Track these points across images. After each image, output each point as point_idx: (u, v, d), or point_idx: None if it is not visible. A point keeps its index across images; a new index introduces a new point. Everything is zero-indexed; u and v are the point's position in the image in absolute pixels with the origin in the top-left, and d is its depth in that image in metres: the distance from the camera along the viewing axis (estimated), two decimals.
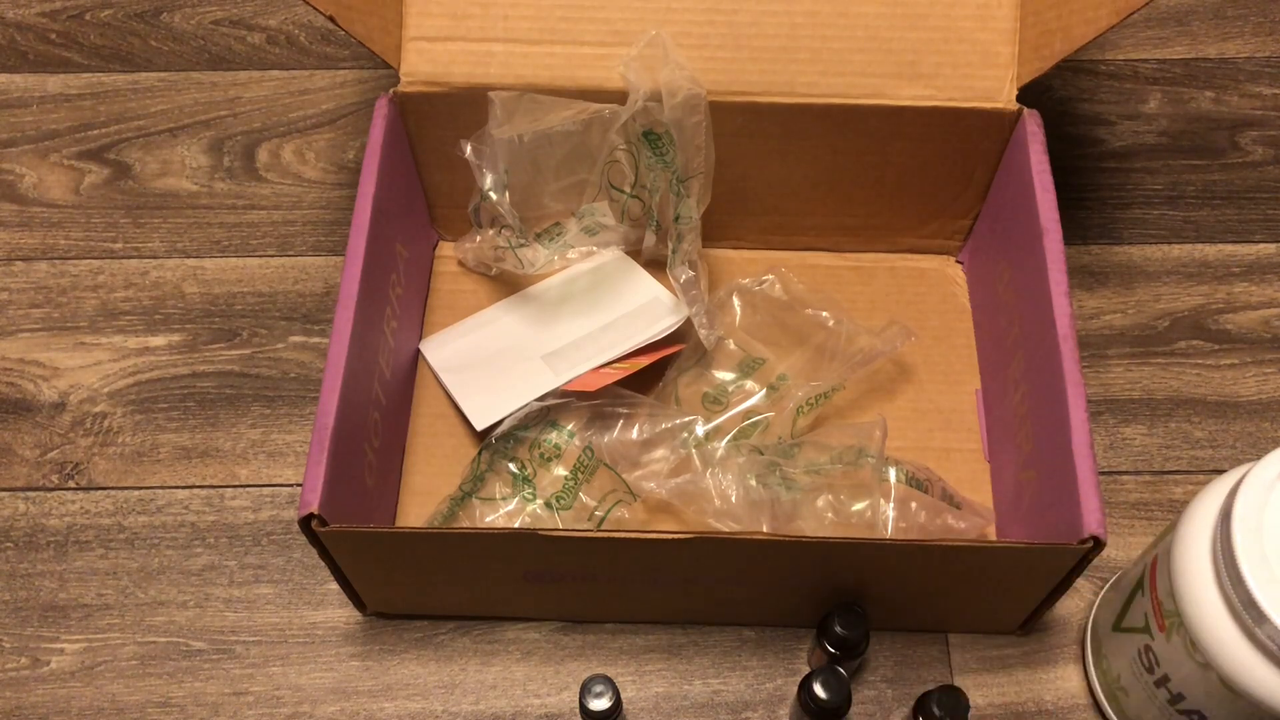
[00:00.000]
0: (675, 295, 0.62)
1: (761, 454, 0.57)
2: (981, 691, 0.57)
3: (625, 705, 0.56)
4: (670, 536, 0.48)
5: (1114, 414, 0.64)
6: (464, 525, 0.57)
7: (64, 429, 0.64)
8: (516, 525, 0.57)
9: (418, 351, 0.65)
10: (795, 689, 0.53)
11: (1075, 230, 0.70)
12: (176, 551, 0.60)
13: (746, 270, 0.66)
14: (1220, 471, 0.48)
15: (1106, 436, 0.63)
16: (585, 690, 0.50)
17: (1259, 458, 0.44)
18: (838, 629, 0.53)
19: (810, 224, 0.67)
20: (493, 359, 0.63)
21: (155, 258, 0.70)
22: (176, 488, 0.62)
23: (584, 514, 0.58)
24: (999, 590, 0.53)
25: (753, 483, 0.56)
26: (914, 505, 0.57)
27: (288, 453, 0.63)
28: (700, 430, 0.58)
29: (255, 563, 0.60)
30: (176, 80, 0.77)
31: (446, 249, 0.69)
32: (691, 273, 0.60)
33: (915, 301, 0.67)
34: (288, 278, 0.69)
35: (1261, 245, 0.70)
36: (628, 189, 0.63)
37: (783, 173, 0.64)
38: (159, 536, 0.61)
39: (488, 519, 0.58)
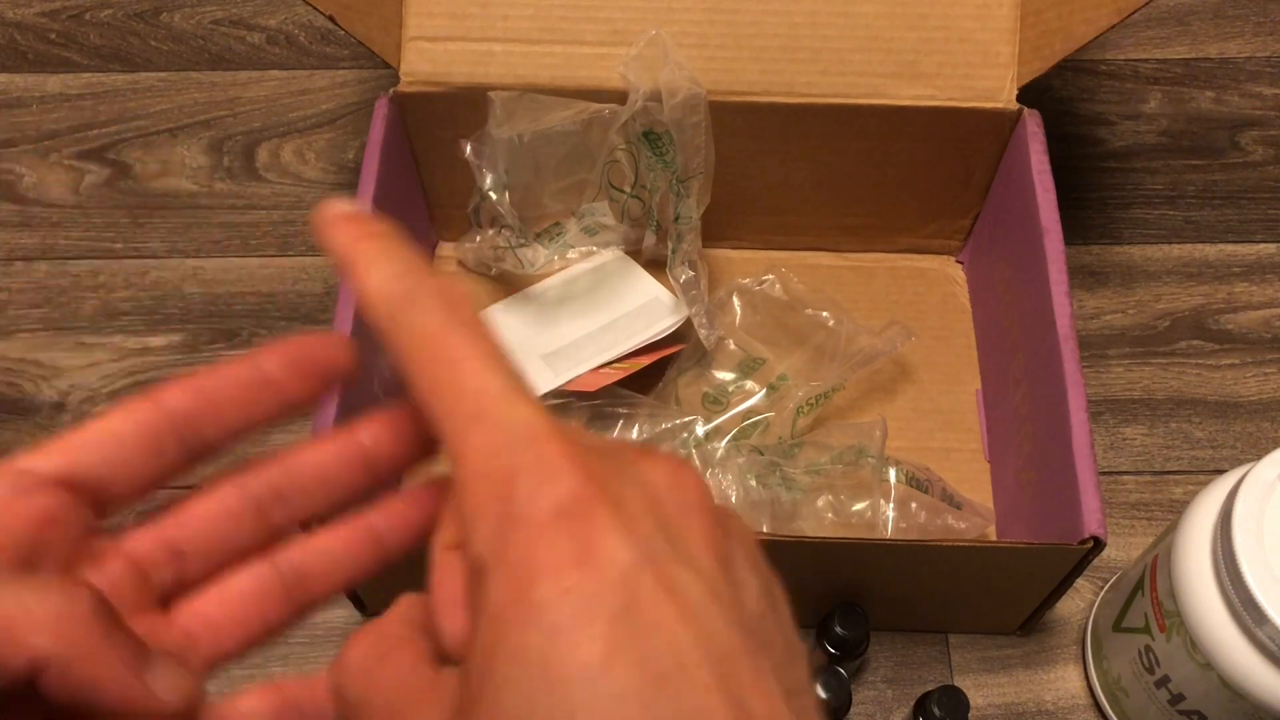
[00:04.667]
0: (675, 295, 0.62)
1: (762, 454, 0.57)
2: (981, 691, 0.57)
3: None
4: None
5: (1114, 414, 0.64)
6: None
7: (64, 429, 0.64)
8: None
9: None
10: None
11: (1075, 230, 0.70)
12: None
13: (746, 270, 0.66)
14: (1221, 472, 0.48)
15: (1107, 436, 0.63)
16: None
17: (1259, 458, 0.44)
18: (838, 629, 0.53)
19: (810, 224, 0.67)
20: None
21: (155, 258, 0.70)
22: (176, 487, 0.62)
23: None
24: (999, 590, 0.53)
25: (753, 483, 0.56)
26: (914, 505, 0.57)
27: None
28: (700, 430, 0.58)
29: None
30: (176, 80, 0.77)
31: (446, 249, 0.69)
32: (691, 273, 0.60)
33: (915, 301, 0.67)
34: (287, 278, 0.69)
35: (1262, 245, 0.70)
36: (628, 189, 0.63)
37: (783, 173, 0.64)
38: None
39: None
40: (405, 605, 0.25)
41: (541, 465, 0.20)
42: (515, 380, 0.22)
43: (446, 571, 0.23)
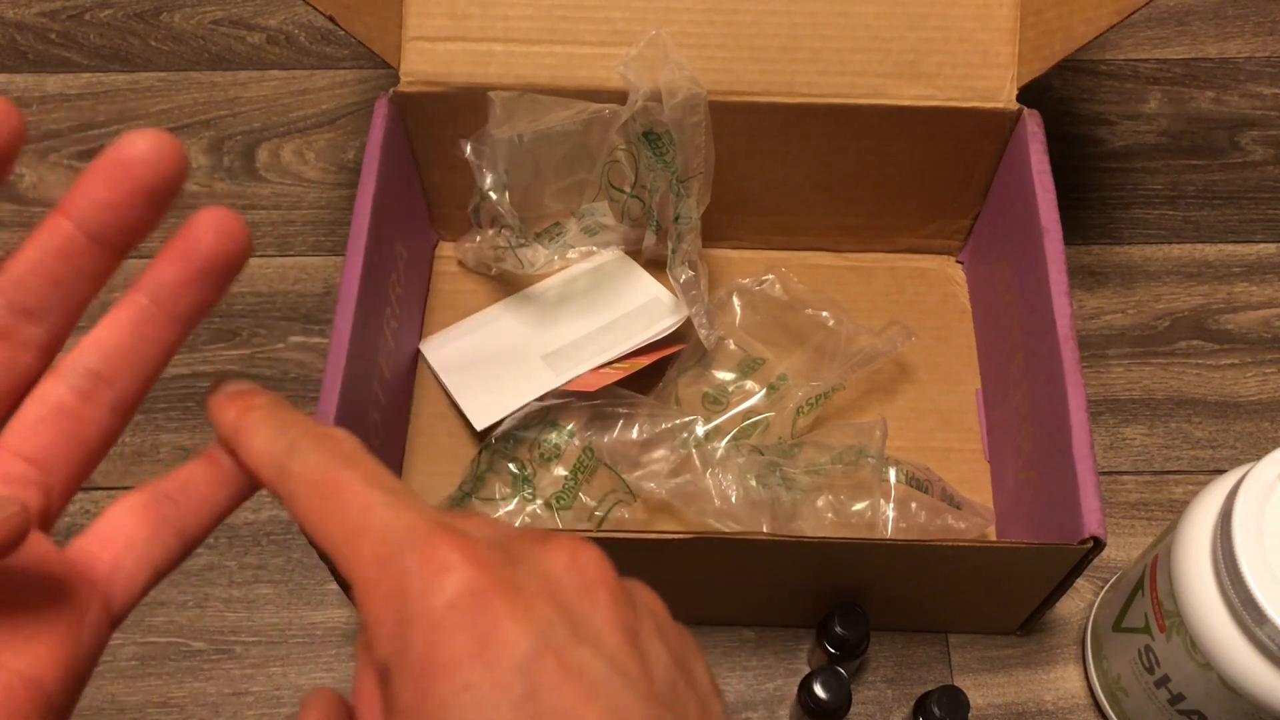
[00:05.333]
0: (675, 295, 0.62)
1: (762, 454, 0.57)
2: (981, 691, 0.57)
3: None
4: (670, 536, 0.48)
5: (1114, 414, 0.64)
6: None
7: None
8: (516, 525, 0.57)
9: (417, 351, 0.65)
10: (795, 689, 0.53)
11: (1075, 230, 0.70)
12: None
13: (746, 270, 0.66)
14: (1220, 472, 0.48)
15: (1106, 436, 0.63)
16: None
17: (1259, 458, 0.44)
18: (838, 629, 0.53)
19: (810, 224, 0.67)
20: (492, 359, 0.63)
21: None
22: None
23: (584, 514, 0.58)
24: (999, 590, 0.53)
25: (753, 483, 0.56)
26: (914, 505, 0.57)
27: None
28: (700, 430, 0.58)
29: (255, 563, 0.60)
30: (176, 80, 0.77)
31: (446, 249, 0.69)
32: (691, 273, 0.60)
33: (915, 301, 0.67)
34: (287, 278, 0.69)
35: (1262, 245, 0.70)
36: (628, 189, 0.63)
37: (783, 173, 0.64)
38: None
39: None
40: (321, 703, 0.26)
41: (431, 562, 0.21)
42: (398, 492, 0.23)
43: (365, 674, 0.23)
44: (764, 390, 0.62)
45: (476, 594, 0.20)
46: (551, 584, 0.21)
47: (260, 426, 0.25)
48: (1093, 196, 0.72)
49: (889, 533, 0.56)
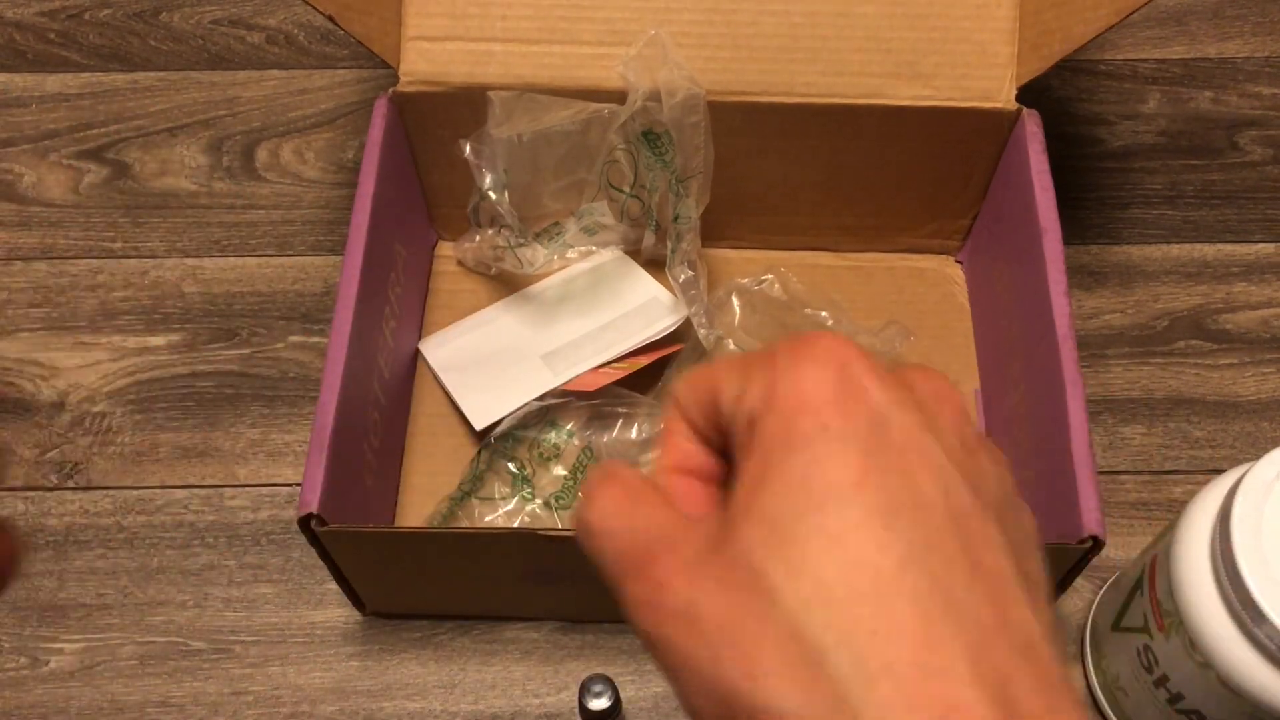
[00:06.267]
0: (674, 295, 0.62)
1: None
2: None
3: (624, 705, 0.56)
4: None
5: (1113, 413, 0.64)
6: (463, 525, 0.57)
7: (63, 429, 0.64)
8: (516, 525, 0.57)
9: (417, 351, 0.65)
10: None
11: (1074, 230, 0.70)
12: (176, 551, 0.60)
13: (745, 270, 0.66)
14: (1219, 471, 0.48)
15: (1106, 436, 0.63)
16: (584, 690, 0.50)
17: (1258, 457, 0.44)
18: None
19: (809, 224, 0.67)
20: (492, 358, 0.63)
21: (154, 257, 0.70)
22: (175, 487, 0.62)
23: None
24: None
25: None
26: None
27: (287, 452, 0.63)
28: None
29: (254, 562, 0.60)
30: (176, 80, 0.77)
31: (446, 249, 0.69)
32: (691, 272, 0.60)
33: (914, 301, 0.67)
34: (286, 277, 0.69)
35: (1260, 245, 0.70)
36: (627, 189, 0.63)
37: (782, 173, 0.64)
38: (158, 536, 0.61)
39: (487, 519, 0.58)
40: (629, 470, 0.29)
41: (802, 339, 0.25)
42: None
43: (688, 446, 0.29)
44: None
45: (839, 352, 0.24)
46: (906, 381, 0.25)
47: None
48: (1091, 196, 0.72)
49: None
